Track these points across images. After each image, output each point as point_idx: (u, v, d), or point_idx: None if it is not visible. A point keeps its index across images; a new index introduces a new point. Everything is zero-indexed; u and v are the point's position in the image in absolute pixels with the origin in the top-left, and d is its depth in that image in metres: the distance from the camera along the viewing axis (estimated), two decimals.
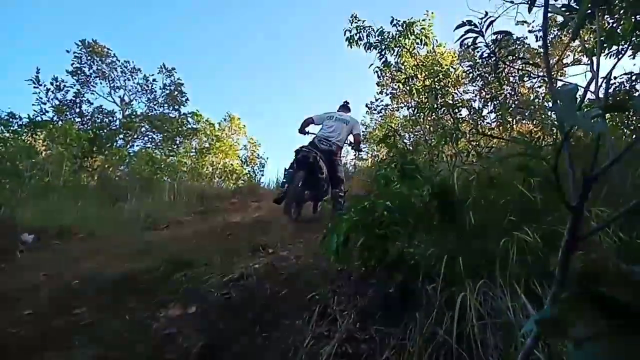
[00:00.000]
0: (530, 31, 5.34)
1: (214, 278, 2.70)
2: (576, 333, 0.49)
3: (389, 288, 2.04)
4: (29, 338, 2.24)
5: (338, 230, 2.06)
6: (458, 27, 2.49)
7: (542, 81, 4.99)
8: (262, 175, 17.35)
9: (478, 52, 3.18)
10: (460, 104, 4.05)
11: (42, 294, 2.89)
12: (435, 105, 3.55)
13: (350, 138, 5.74)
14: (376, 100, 13.38)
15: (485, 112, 4.40)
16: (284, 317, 2.18)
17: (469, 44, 2.78)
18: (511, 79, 4.64)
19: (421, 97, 4.23)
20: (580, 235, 0.64)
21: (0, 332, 2.27)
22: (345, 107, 6.18)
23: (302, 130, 5.89)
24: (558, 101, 0.58)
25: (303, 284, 2.48)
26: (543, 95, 4.58)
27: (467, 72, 4.92)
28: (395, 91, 11.85)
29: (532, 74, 3.67)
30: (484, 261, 1.86)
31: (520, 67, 3.67)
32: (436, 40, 6.01)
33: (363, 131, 15.73)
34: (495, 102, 3.90)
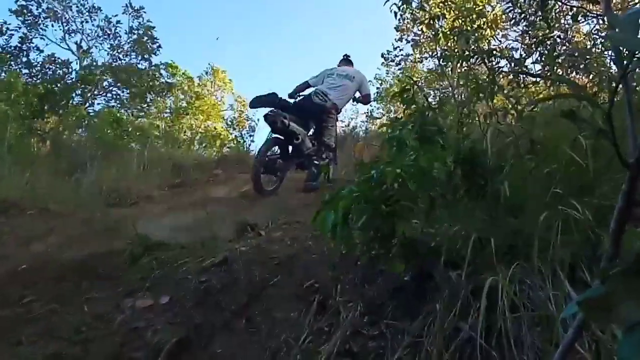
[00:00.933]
0: None
1: (191, 263, 2.71)
2: (628, 315, 0.48)
3: (404, 275, 2.04)
4: None
5: (334, 206, 2.01)
6: None
7: (601, 23, 4.87)
8: (252, 141, 17.25)
9: None
10: (498, 52, 3.96)
11: None
12: (467, 53, 3.47)
13: (357, 95, 6.02)
14: (394, 49, 13.21)
15: (528, 62, 4.32)
16: (276, 309, 2.20)
17: None
18: (562, 20, 4.54)
19: (449, 42, 4.15)
20: (638, 200, 0.62)
21: None
22: (346, 61, 6.43)
23: (292, 95, 6.25)
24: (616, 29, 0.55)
25: (299, 270, 2.49)
26: (602, 40, 4.47)
27: (507, 11, 4.80)
28: (417, 37, 11.68)
29: (588, 12, 3.58)
30: (521, 242, 1.86)
31: (574, 5, 3.59)
32: None
33: (377, 88, 15.67)
34: (541, 50, 3.81)
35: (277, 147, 5.65)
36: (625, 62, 0.56)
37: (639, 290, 0.50)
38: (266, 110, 5.57)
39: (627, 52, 0.52)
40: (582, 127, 1.88)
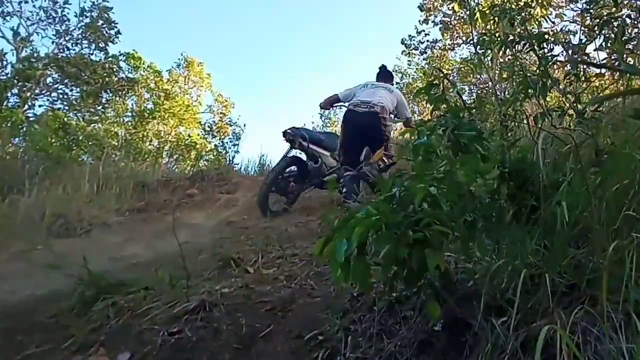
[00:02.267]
0: None
1: (159, 309, 2.71)
2: None
3: (432, 323, 2.03)
4: None
5: (347, 233, 1.96)
6: None
7: None
8: (237, 152, 17.43)
9: None
10: (551, 36, 3.98)
11: None
12: (511, 37, 3.49)
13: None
14: (418, 33, 13.30)
15: (590, 48, 4.31)
16: None
17: None
18: None
19: (488, 25, 4.16)
20: None
21: None
22: (385, 75, 7.38)
23: (322, 106, 7.63)
24: None
25: (298, 318, 2.49)
26: None
27: None
28: (447, 19, 11.77)
29: None
30: (585, 280, 1.85)
31: None
32: None
33: (397, 82, 15.72)
34: (606, 33, 3.80)
35: (294, 167, 6.86)
36: None
37: None
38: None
39: None
40: None
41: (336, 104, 7.48)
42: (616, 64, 3.78)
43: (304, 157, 7.08)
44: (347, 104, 6.99)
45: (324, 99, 7.46)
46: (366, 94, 6.75)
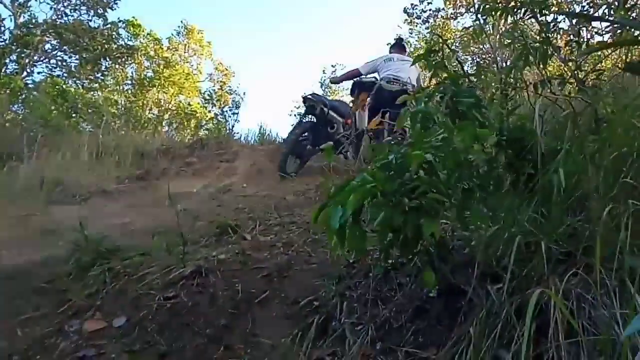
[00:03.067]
0: None
1: (155, 274, 2.71)
2: None
3: (428, 290, 2.03)
4: None
5: (343, 199, 1.93)
6: None
7: None
8: (236, 121, 17.37)
9: None
10: (554, 3, 3.91)
11: None
12: (513, 4, 3.43)
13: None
14: (420, 2, 13.16)
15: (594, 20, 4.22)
16: (263, 333, 2.20)
17: None
18: None
19: None
20: None
21: None
22: (399, 46, 7.84)
23: (336, 80, 8.13)
24: None
25: (294, 283, 2.49)
26: None
27: None
28: None
29: None
30: (580, 247, 1.84)
31: None
32: None
33: (407, 55, 15.56)
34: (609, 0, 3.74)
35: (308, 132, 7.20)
36: None
37: None
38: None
39: None
40: None
41: (354, 78, 7.64)
42: (618, 32, 3.72)
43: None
44: (372, 76, 7.38)
45: (341, 74, 7.94)
46: (395, 68, 7.05)
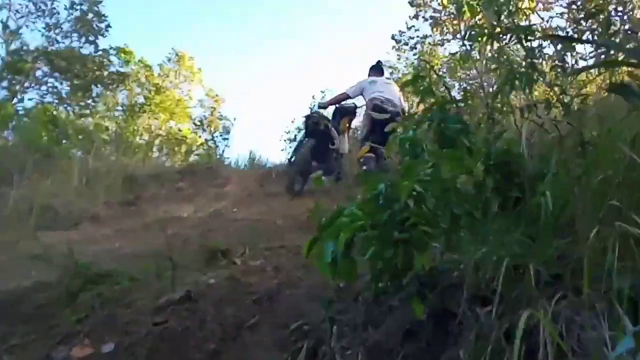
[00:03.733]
0: None
1: (144, 299, 2.69)
2: None
3: (419, 314, 2.03)
4: None
5: (333, 234, 1.95)
6: None
7: None
8: (227, 146, 17.38)
9: None
10: (539, 30, 3.96)
11: None
12: (499, 29, 3.47)
13: None
14: (408, 29, 13.28)
15: (577, 43, 4.29)
16: (254, 359, 2.18)
17: None
18: None
19: (476, 18, 4.16)
20: None
21: None
22: (379, 69, 8.09)
23: (324, 105, 8.13)
24: None
25: (284, 308, 2.48)
26: None
27: None
28: (437, 15, 11.76)
29: None
30: (568, 270, 1.85)
31: None
32: None
33: (388, 77, 15.72)
34: (592, 25, 3.80)
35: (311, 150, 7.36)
36: None
37: None
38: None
39: None
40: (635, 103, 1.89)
41: (342, 102, 7.95)
42: (602, 57, 3.77)
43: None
44: (352, 102, 7.90)
45: (329, 99, 8.33)
46: (385, 90, 7.41)
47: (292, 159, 7.87)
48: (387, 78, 8.32)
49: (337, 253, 1.88)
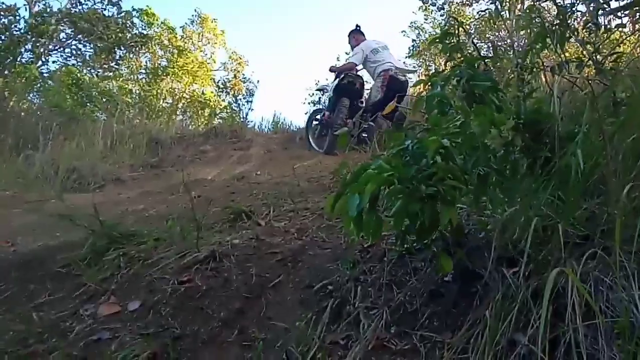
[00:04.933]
0: None
1: (169, 259, 2.72)
2: None
3: (443, 274, 2.02)
4: None
5: (360, 188, 1.93)
6: None
7: None
8: (250, 109, 17.38)
9: None
10: None
11: None
12: None
13: None
14: None
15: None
16: (277, 317, 2.19)
17: None
18: None
19: None
20: None
21: None
22: (361, 33, 8.70)
23: (334, 70, 8.52)
24: None
25: (308, 268, 2.49)
26: None
27: None
28: None
29: None
30: (598, 230, 1.82)
31: None
32: None
33: (413, 40, 15.51)
34: None
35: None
36: None
37: None
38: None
39: None
40: None
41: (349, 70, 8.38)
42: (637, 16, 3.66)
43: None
44: (376, 65, 8.07)
45: (339, 66, 8.69)
46: (392, 59, 8.22)
47: (325, 120, 8.30)
48: (378, 42, 8.47)
49: (363, 206, 1.84)
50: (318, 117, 8.91)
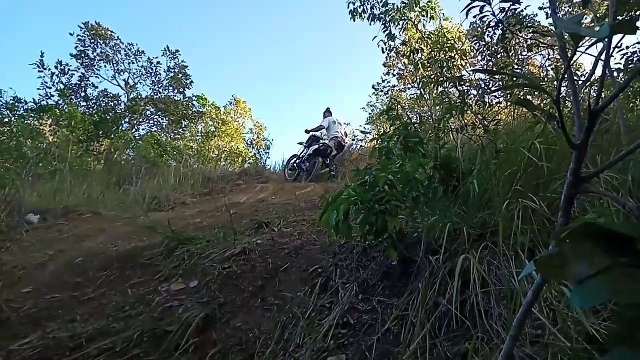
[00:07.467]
0: (541, 8, 5.18)
1: (216, 254, 2.69)
2: (577, 272, 0.46)
3: (391, 261, 2.01)
4: (33, 311, 2.26)
5: (337, 206, 2.01)
6: None
7: (552, 58, 4.86)
8: (268, 157, 17.35)
9: (485, 23, 3.09)
10: (465, 78, 3.93)
11: (47, 271, 2.92)
12: (441, 79, 3.46)
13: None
14: (383, 81, 13.20)
15: (492, 86, 4.28)
16: (286, 290, 2.17)
17: (477, 15, 2.72)
18: (520, 50, 4.51)
19: (427, 71, 4.14)
20: (583, 176, 0.60)
21: (5, 306, 2.29)
22: (330, 113, 9.35)
23: (309, 131, 9.02)
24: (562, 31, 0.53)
25: (305, 258, 2.47)
26: (554, 69, 4.45)
27: (474, 43, 4.78)
28: (402, 72, 11.68)
29: (541, 44, 3.55)
30: (489, 231, 1.83)
31: (529, 38, 3.57)
32: (443, 14, 5.84)
33: (369, 113, 15.66)
34: (501, 76, 3.80)
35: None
36: (569, 51, 0.54)
37: (585, 251, 0.47)
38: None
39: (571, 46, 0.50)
40: (535, 113, 1.87)
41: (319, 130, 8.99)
42: (508, 94, 3.73)
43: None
44: (329, 133, 8.84)
45: (313, 128, 9.04)
46: (340, 131, 8.93)
47: (304, 165, 8.61)
48: (336, 120, 9.19)
49: (339, 218, 1.96)
50: (292, 161, 9.16)
